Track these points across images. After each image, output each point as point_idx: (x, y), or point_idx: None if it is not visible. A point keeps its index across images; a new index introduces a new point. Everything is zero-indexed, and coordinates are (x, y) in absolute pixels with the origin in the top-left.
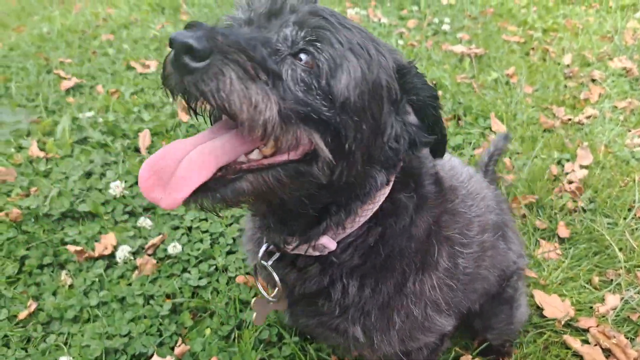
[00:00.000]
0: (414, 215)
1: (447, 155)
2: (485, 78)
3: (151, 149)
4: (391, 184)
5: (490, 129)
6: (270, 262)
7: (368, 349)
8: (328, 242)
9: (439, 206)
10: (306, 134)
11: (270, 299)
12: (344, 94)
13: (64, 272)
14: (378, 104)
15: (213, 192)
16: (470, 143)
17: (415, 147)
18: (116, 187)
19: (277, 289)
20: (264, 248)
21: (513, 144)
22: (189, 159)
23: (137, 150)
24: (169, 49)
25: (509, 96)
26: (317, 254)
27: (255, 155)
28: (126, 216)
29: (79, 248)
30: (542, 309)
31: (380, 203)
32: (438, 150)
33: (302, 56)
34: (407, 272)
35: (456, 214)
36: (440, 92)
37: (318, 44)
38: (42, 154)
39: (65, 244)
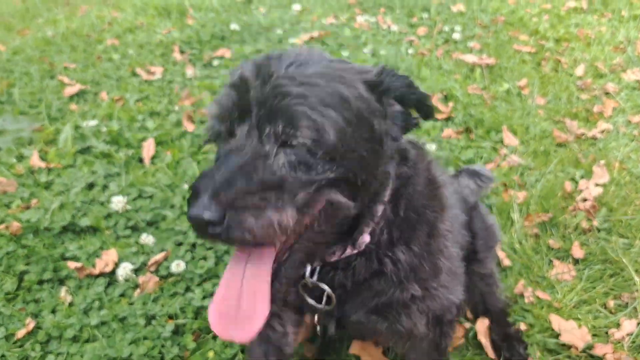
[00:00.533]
0: (416, 177)
1: None
2: (496, 89)
3: (155, 159)
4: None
5: (503, 142)
6: (315, 278)
7: (418, 315)
8: (364, 239)
9: (422, 161)
10: (324, 197)
11: (324, 307)
12: (339, 148)
13: (63, 289)
14: (368, 129)
15: (278, 280)
16: (482, 157)
17: (408, 130)
18: (118, 202)
19: (332, 298)
20: (309, 268)
21: (525, 158)
22: (247, 292)
23: (140, 160)
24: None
25: (521, 108)
26: (356, 251)
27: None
28: (128, 231)
29: (79, 265)
30: (558, 334)
31: (394, 181)
32: (428, 113)
33: (291, 141)
34: (435, 219)
35: (434, 179)
36: (451, 104)
37: (297, 126)
38: (43, 165)
39: (66, 259)
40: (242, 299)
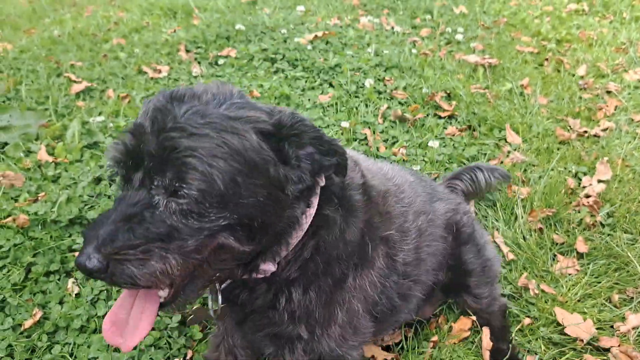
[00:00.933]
0: (344, 224)
1: (371, 161)
2: (499, 88)
3: None
4: (315, 204)
5: (506, 140)
6: (223, 286)
7: (302, 354)
8: (268, 267)
9: (368, 211)
10: (217, 241)
11: (212, 311)
12: (230, 196)
13: (70, 281)
14: (262, 176)
15: (174, 303)
16: (485, 154)
17: (322, 170)
18: None
19: (220, 306)
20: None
21: (529, 155)
22: (135, 309)
23: None
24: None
25: (523, 107)
26: (261, 276)
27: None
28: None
29: None
30: (563, 327)
31: (308, 224)
32: (339, 172)
33: (180, 192)
34: (345, 272)
35: (391, 214)
36: (454, 103)
37: (184, 178)
38: (50, 159)
39: (73, 251)
40: (130, 315)
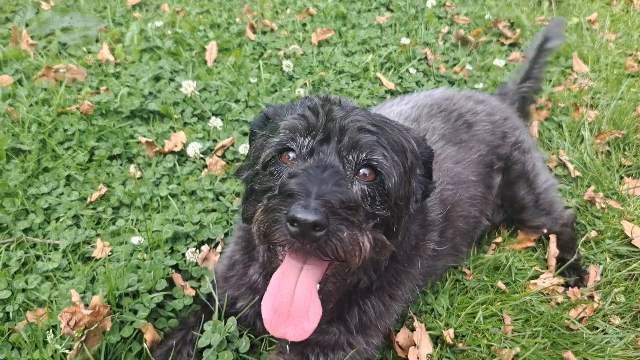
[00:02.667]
0: (411, 232)
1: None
2: (565, 22)
3: (217, 63)
4: None
5: (572, 68)
6: None
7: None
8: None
9: (420, 220)
10: (373, 236)
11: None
12: (397, 193)
13: (132, 166)
14: (408, 182)
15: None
16: (550, 81)
17: (427, 194)
18: (188, 86)
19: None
20: None
21: (597, 83)
22: (299, 291)
23: (204, 62)
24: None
25: (590, 40)
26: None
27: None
28: (195, 119)
29: (150, 139)
30: (631, 239)
31: None
32: (427, 195)
33: (362, 171)
34: (402, 281)
35: (428, 223)
36: (518, 31)
37: (373, 160)
38: (112, 58)
39: (134, 138)
40: (295, 296)
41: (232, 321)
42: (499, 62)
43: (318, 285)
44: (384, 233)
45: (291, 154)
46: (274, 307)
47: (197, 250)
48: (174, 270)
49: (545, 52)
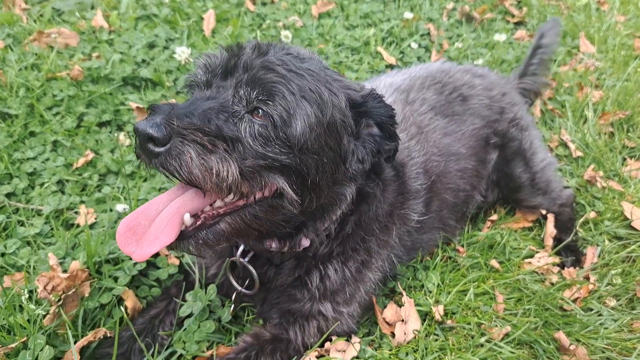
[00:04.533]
0: (381, 199)
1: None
2: (574, 2)
3: (215, 33)
4: (359, 181)
5: (579, 49)
6: (246, 259)
7: (313, 332)
8: (305, 242)
9: (397, 187)
10: (271, 179)
11: (245, 291)
12: (301, 140)
13: (122, 134)
14: (335, 139)
15: (194, 238)
16: (556, 60)
17: (380, 154)
18: (182, 53)
19: (255, 283)
20: (241, 248)
21: (604, 64)
22: (161, 218)
23: (202, 32)
24: None
25: (599, 21)
26: (291, 250)
27: (218, 203)
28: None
29: (140, 105)
30: (630, 221)
31: (350, 202)
32: (391, 157)
33: (259, 111)
34: (373, 249)
35: (406, 191)
36: (524, 10)
37: (270, 100)
38: (106, 25)
39: (125, 105)
40: (153, 224)
41: (212, 289)
42: (500, 37)
43: (188, 215)
44: (293, 182)
45: (196, 89)
46: (130, 225)
47: None
48: None
49: (540, 49)
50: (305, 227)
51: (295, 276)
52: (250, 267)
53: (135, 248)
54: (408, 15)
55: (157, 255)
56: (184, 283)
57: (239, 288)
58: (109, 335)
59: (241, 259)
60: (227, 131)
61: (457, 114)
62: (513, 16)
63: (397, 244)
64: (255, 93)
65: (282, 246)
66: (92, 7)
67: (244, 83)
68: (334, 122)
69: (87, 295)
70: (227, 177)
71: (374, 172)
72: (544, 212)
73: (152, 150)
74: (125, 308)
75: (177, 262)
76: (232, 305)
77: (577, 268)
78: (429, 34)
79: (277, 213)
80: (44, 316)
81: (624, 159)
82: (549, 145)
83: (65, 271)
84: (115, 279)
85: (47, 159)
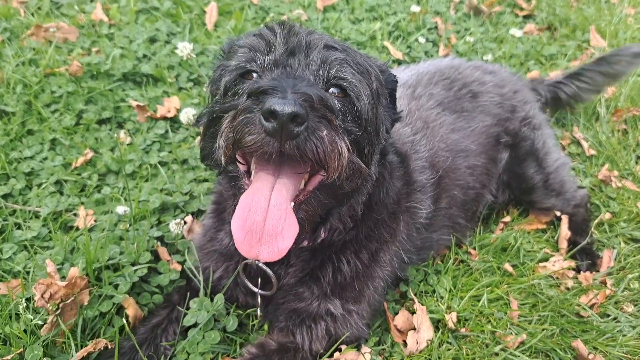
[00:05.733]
0: (390, 180)
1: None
2: None
3: (217, 27)
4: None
5: (589, 43)
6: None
7: (321, 335)
8: (321, 233)
9: (402, 176)
10: (348, 153)
11: (263, 292)
12: (366, 113)
13: (122, 132)
14: (377, 109)
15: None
16: (566, 55)
17: (395, 123)
18: (184, 48)
19: (273, 283)
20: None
21: None
22: (274, 208)
23: (204, 25)
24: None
25: (609, 15)
26: (309, 244)
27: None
28: (191, 84)
29: (141, 103)
30: None
31: (371, 184)
32: (394, 121)
33: (333, 89)
34: (384, 238)
35: (412, 182)
36: (533, 3)
37: (344, 77)
38: (105, 18)
39: (125, 102)
40: (269, 214)
41: (219, 298)
42: (515, 31)
43: (292, 202)
44: (359, 157)
45: (254, 75)
46: (246, 226)
47: (183, 222)
48: (159, 243)
49: (605, 66)
50: (331, 215)
51: (307, 271)
52: (266, 268)
53: (260, 249)
54: (415, 8)
55: (158, 259)
56: (187, 289)
57: (256, 290)
58: (109, 346)
59: (257, 260)
60: (331, 100)
61: (466, 110)
62: (522, 9)
63: (405, 239)
64: (330, 72)
65: (311, 238)
66: (92, 0)
67: (316, 62)
68: (377, 92)
69: (86, 303)
70: (345, 152)
71: (381, 153)
72: (558, 213)
73: (295, 131)
74: (126, 317)
75: (179, 267)
76: (258, 310)
77: (593, 272)
78: (436, 27)
79: (334, 195)
80: (41, 326)
81: (638, 157)
82: (560, 143)
83: (63, 278)
84: (116, 286)
85: (45, 158)
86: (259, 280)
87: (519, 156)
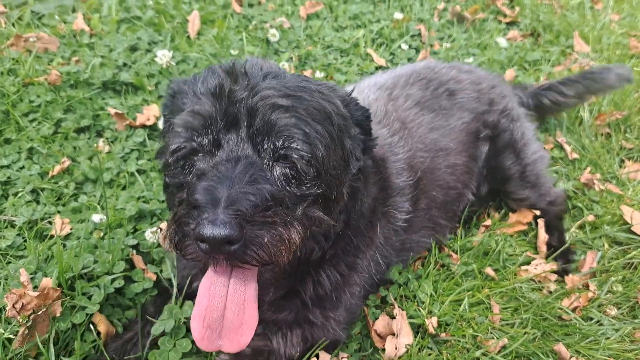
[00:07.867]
0: (364, 192)
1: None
2: (567, 0)
3: (200, 35)
4: None
5: (573, 48)
6: None
7: (296, 341)
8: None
9: (378, 181)
10: (309, 214)
11: None
12: (326, 164)
13: (101, 140)
14: (342, 146)
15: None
16: (549, 60)
17: (366, 151)
18: (163, 56)
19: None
20: None
21: (599, 63)
22: (230, 304)
23: (186, 34)
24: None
25: (593, 20)
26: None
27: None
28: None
29: (120, 111)
30: (630, 225)
31: (346, 201)
32: (366, 152)
33: (285, 157)
34: (360, 249)
35: (389, 187)
36: (517, 10)
37: (292, 148)
38: (87, 28)
39: (104, 110)
40: (227, 311)
41: (188, 305)
42: (500, 40)
43: (255, 286)
44: (323, 207)
45: (199, 154)
46: (205, 323)
47: (159, 230)
48: (134, 251)
49: (589, 81)
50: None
51: (287, 288)
52: None
53: (221, 341)
54: (398, 15)
55: (133, 267)
56: (164, 301)
57: None
58: None
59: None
60: (274, 192)
61: (444, 108)
62: (505, 16)
63: (382, 244)
64: (276, 144)
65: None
66: (74, 10)
67: (259, 133)
68: (339, 131)
69: (58, 315)
70: (296, 239)
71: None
72: (533, 210)
73: (229, 250)
74: (98, 333)
75: (153, 277)
76: None
77: (570, 274)
78: (419, 34)
79: (318, 237)
80: (14, 336)
81: (622, 161)
82: (544, 148)
83: (36, 288)
84: (90, 297)
85: (22, 167)
86: None
87: (498, 148)
